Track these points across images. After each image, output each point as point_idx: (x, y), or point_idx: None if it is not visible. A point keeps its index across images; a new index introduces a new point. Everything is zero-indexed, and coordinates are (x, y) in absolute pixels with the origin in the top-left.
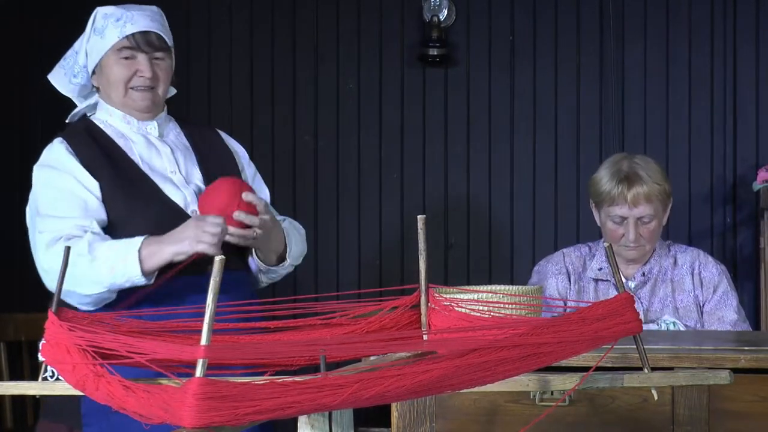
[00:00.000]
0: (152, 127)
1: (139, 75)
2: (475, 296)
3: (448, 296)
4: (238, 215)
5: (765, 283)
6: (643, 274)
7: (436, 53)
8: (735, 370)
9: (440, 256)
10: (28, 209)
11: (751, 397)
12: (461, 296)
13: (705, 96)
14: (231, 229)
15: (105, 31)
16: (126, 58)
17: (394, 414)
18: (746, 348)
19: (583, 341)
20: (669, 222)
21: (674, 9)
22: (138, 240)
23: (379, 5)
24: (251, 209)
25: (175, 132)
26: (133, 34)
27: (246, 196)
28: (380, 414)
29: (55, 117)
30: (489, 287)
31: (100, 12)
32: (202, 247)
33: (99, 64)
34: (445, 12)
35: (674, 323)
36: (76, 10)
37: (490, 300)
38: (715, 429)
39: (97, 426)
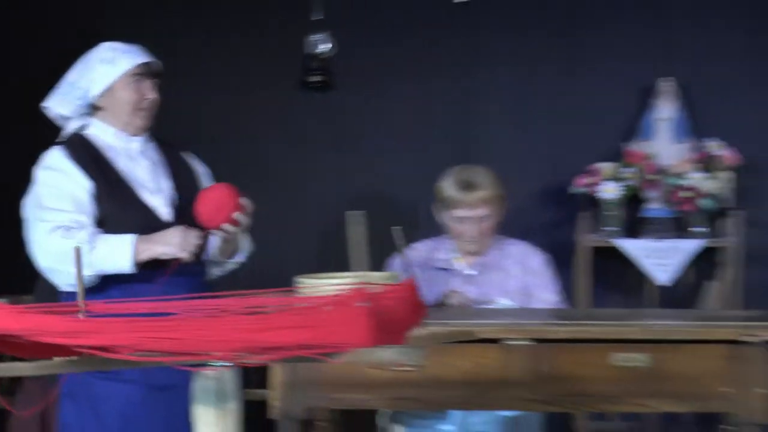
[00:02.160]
0: (137, 144)
1: (147, 97)
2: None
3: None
4: (238, 216)
5: (580, 270)
6: (481, 263)
7: (316, 79)
8: (556, 341)
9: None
10: (27, 204)
11: (569, 363)
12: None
13: (536, 113)
14: (225, 226)
15: (116, 61)
16: (137, 82)
17: (275, 379)
18: (565, 322)
19: None
20: (507, 219)
21: (520, 27)
22: (130, 237)
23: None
24: (243, 210)
25: (153, 149)
26: (143, 63)
27: (242, 200)
28: (265, 377)
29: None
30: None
31: (105, 47)
32: (185, 255)
33: (110, 87)
34: (325, 45)
35: (506, 304)
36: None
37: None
38: (543, 389)
39: (76, 403)
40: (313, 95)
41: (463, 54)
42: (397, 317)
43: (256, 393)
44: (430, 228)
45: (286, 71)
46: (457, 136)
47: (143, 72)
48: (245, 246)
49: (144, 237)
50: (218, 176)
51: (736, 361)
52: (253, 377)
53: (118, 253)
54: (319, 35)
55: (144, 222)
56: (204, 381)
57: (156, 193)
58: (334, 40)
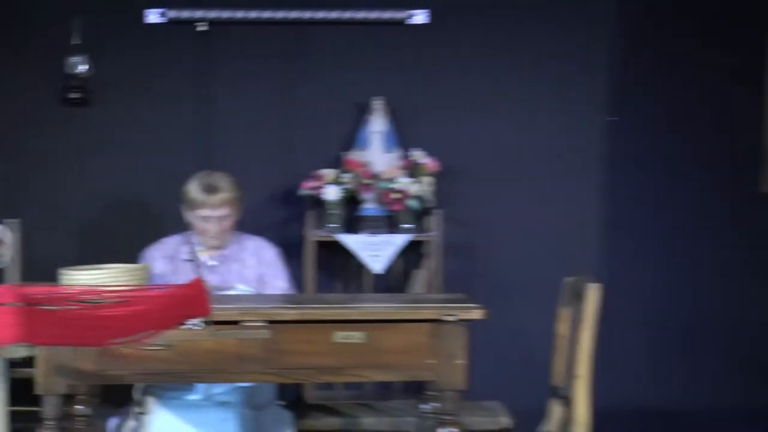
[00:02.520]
0: None
1: None
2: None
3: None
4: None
5: (307, 261)
6: (222, 256)
7: (75, 96)
8: (286, 322)
9: None
10: None
11: (298, 340)
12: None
13: (268, 125)
14: None
15: None
16: None
17: (40, 358)
18: (294, 305)
19: None
20: (245, 217)
21: (254, 50)
22: None
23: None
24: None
25: None
26: None
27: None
28: (31, 357)
29: None
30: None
31: None
32: None
33: None
34: (83, 66)
35: (244, 290)
36: None
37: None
38: (275, 363)
39: None
40: (73, 110)
41: (205, 74)
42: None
43: (23, 371)
44: (177, 225)
45: (49, 89)
46: (200, 145)
47: None
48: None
49: None
50: None
51: (438, 336)
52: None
53: None
54: (77, 57)
55: None
56: None
57: None
58: (91, 61)
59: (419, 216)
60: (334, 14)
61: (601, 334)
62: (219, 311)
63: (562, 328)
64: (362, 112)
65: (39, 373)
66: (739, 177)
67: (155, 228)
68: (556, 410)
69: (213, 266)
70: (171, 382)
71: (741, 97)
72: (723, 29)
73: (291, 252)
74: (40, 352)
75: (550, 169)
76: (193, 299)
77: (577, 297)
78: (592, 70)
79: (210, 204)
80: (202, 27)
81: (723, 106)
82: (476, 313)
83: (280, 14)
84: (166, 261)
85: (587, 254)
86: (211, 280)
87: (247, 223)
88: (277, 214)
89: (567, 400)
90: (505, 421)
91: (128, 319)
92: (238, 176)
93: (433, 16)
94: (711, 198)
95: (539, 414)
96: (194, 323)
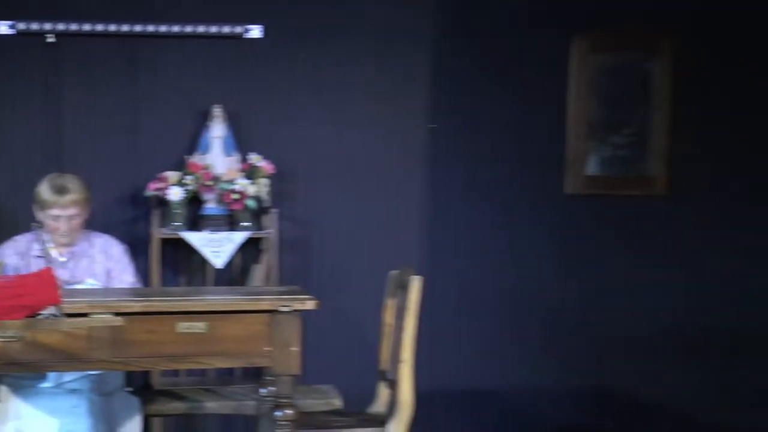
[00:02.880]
0: None
1: None
2: None
3: None
4: None
5: (153, 257)
6: (71, 252)
7: None
8: (132, 314)
9: None
10: None
11: (143, 331)
12: None
13: (117, 131)
14: None
15: None
16: None
17: None
18: (140, 298)
19: None
20: (94, 217)
21: (100, 61)
22: None
23: None
24: None
25: None
26: None
27: None
28: None
29: None
30: None
31: None
32: None
33: None
34: None
35: (93, 284)
36: None
37: None
38: (122, 352)
39: None
40: None
41: (55, 82)
42: None
43: None
44: (30, 224)
45: None
46: (51, 149)
47: None
48: None
49: None
50: None
51: (275, 326)
52: None
53: None
54: None
55: None
56: None
57: None
58: None
59: (257, 215)
60: (176, 28)
61: (423, 322)
62: (69, 304)
63: (388, 316)
64: (203, 119)
65: None
66: (546, 179)
67: (8, 227)
68: (383, 392)
69: (63, 262)
70: (22, 371)
71: (548, 106)
72: (530, 41)
73: (137, 248)
74: None
75: (377, 171)
76: (41, 289)
77: (402, 288)
78: (415, 81)
79: (60, 204)
80: (50, 38)
81: (531, 115)
82: (309, 304)
83: (124, 27)
84: (18, 257)
85: (410, 249)
86: (62, 275)
87: (96, 222)
88: (125, 214)
89: (393, 383)
90: (336, 402)
91: None
92: (87, 178)
93: (268, 31)
94: (521, 198)
95: (369, 396)
96: (51, 312)
